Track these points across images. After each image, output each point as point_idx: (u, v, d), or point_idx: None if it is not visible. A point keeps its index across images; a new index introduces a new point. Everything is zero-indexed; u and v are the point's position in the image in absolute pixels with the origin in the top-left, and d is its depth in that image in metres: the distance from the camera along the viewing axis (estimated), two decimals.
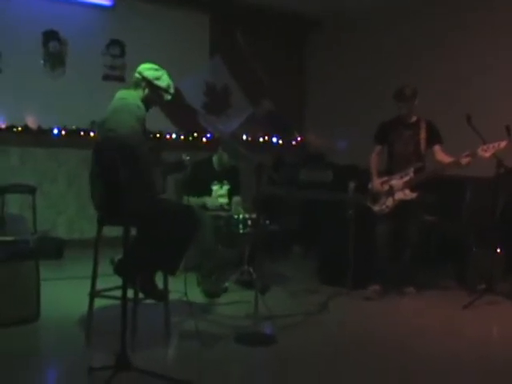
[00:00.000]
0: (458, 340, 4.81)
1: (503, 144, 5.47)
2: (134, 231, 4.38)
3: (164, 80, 4.45)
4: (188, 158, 4.41)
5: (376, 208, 6.10)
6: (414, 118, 6.07)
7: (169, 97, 4.50)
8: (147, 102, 4.44)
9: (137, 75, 4.45)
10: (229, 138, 7.71)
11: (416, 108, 6.04)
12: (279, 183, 8.70)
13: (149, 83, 4.41)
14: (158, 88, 4.43)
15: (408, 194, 5.95)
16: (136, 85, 4.45)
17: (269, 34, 9.30)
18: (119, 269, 4.25)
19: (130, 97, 4.36)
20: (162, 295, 4.42)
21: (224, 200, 6.46)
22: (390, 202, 6.00)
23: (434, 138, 6.02)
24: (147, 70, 4.45)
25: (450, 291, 6.24)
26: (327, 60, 9.61)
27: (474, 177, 6.48)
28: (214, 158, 6.52)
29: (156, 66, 4.49)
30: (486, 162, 5.62)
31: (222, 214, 6.21)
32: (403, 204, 5.96)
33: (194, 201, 6.14)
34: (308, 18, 9.57)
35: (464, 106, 6.88)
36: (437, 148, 6.00)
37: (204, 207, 6.24)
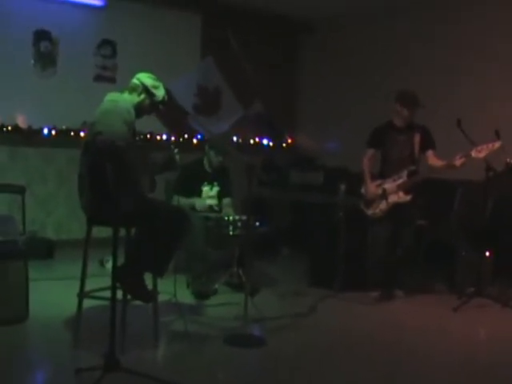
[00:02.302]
0: (446, 342, 4.83)
1: (497, 145, 5.48)
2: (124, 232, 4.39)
3: (161, 90, 4.51)
4: (176, 149, 4.41)
5: (369, 212, 6.09)
6: (407, 123, 6.07)
7: (161, 106, 4.56)
8: (139, 109, 4.46)
9: (135, 81, 4.49)
10: (217, 136, 7.66)
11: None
12: (269, 185, 8.71)
13: (146, 90, 4.45)
14: (154, 96, 4.47)
15: (402, 197, 5.94)
16: (132, 89, 4.48)
17: (261, 36, 9.30)
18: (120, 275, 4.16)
19: (122, 100, 4.36)
20: (150, 297, 4.39)
21: (214, 201, 6.44)
22: (383, 205, 5.99)
23: (428, 143, 6.03)
24: (146, 77, 4.51)
25: (440, 294, 6.26)
26: (319, 62, 9.62)
27: (464, 180, 6.51)
28: (205, 159, 6.51)
29: (155, 77, 4.55)
30: (475, 166, 5.64)
31: (212, 215, 6.21)
32: (397, 207, 5.95)
33: (182, 202, 6.13)
34: (300, 21, 9.57)
35: (454, 109, 6.92)
36: (430, 153, 6.01)
37: (193, 208, 6.23)
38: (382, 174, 6.16)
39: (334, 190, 6.40)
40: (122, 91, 4.50)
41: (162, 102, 4.53)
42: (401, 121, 6.06)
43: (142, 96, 4.46)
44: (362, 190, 6.21)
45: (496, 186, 5.94)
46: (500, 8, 7.40)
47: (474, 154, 5.54)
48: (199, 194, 6.42)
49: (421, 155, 6.06)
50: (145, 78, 4.49)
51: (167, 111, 4.81)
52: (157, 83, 4.51)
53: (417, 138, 6.03)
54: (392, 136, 6.08)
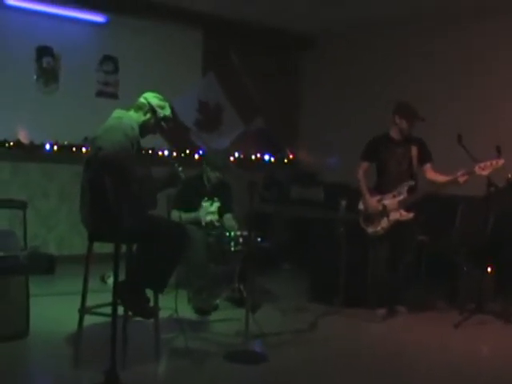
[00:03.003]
0: (447, 358, 4.81)
1: (500, 162, 5.46)
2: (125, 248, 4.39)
3: (166, 110, 4.52)
4: (180, 168, 4.42)
5: (370, 230, 5.97)
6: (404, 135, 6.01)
7: (163, 123, 4.56)
8: (144, 128, 4.47)
9: (142, 100, 4.50)
10: (213, 152, 7.63)
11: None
12: (270, 201, 8.72)
13: (152, 109, 4.46)
14: (159, 115, 4.48)
15: (404, 215, 5.83)
16: (139, 108, 4.49)
17: (261, 49, 9.33)
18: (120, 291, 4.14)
19: (127, 117, 4.39)
20: (150, 313, 4.39)
21: (214, 217, 6.43)
22: (385, 223, 5.87)
23: (425, 156, 5.98)
24: (154, 97, 4.52)
25: (441, 310, 6.24)
26: (320, 78, 9.64)
27: (465, 196, 6.50)
28: (204, 175, 6.51)
29: (161, 97, 4.56)
30: (477, 182, 5.64)
31: (214, 231, 6.19)
32: (398, 224, 5.85)
33: (185, 216, 6.13)
34: (301, 36, 9.61)
35: (454, 119, 6.94)
36: (428, 166, 5.96)
37: (197, 220, 6.22)
38: (379, 188, 6.05)
39: (335, 206, 6.39)
40: (128, 109, 4.52)
41: (165, 118, 4.53)
42: (398, 133, 5.98)
43: (148, 115, 4.47)
44: (360, 206, 6.08)
45: (497, 202, 5.92)
46: (500, 18, 7.41)
47: (477, 171, 5.50)
48: (199, 209, 6.41)
49: (418, 168, 6.00)
50: (151, 98, 4.50)
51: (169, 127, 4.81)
52: (163, 103, 4.52)
53: (414, 151, 5.95)
54: (389, 148, 5.99)
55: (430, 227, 6.56)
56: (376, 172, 6.14)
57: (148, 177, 4.30)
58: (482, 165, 5.50)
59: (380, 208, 5.91)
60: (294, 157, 9.76)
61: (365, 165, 6.14)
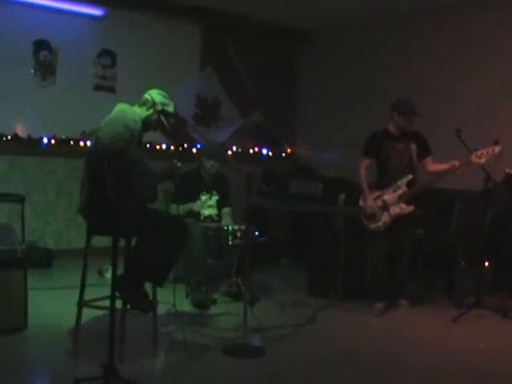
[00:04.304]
0: (446, 353, 4.81)
1: (497, 150, 5.44)
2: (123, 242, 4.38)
3: (170, 108, 4.57)
4: (180, 164, 4.43)
5: (372, 226, 5.94)
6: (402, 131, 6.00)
7: (163, 117, 4.57)
8: (146, 123, 4.53)
9: (146, 96, 4.57)
10: (209, 142, 7.61)
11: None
12: (269, 195, 8.71)
13: (155, 105, 4.51)
14: (161, 112, 4.51)
15: (405, 208, 5.83)
16: (142, 103, 4.56)
17: (260, 46, 9.32)
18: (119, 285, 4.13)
19: (130, 111, 4.44)
20: (149, 307, 4.39)
21: (213, 211, 6.43)
22: (386, 217, 5.84)
23: (425, 149, 5.98)
24: (158, 94, 4.58)
25: (439, 305, 6.23)
26: (318, 73, 9.63)
27: (463, 190, 6.49)
28: (202, 168, 6.51)
29: (167, 95, 4.61)
30: (475, 176, 5.63)
31: (212, 225, 6.20)
32: (398, 218, 5.85)
33: (182, 207, 6.14)
34: (299, 31, 9.60)
35: (454, 118, 6.93)
36: (429, 160, 5.96)
37: (191, 212, 6.22)
38: (380, 184, 6.04)
39: (334, 200, 6.39)
40: (132, 104, 4.57)
41: (164, 112, 4.54)
42: (396, 129, 5.98)
43: (151, 111, 4.52)
44: (361, 203, 6.07)
45: (495, 197, 5.92)
46: (501, 12, 7.40)
47: (473, 159, 5.49)
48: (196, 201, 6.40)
49: (418, 163, 5.99)
50: (155, 94, 4.56)
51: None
52: (167, 101, 4.57)
53: (413, 146, 5.96)
54: (390, 144, 5.98)
55: (428, 221, 6.56)
56: (377, 168, 6.12)
57: (147, 169, 4.30)
58: (478, 153, 5.48)
59: (380, 204, 5.90)
60: (292, 151, 9.75)
61: (366, 161, 6.12)
